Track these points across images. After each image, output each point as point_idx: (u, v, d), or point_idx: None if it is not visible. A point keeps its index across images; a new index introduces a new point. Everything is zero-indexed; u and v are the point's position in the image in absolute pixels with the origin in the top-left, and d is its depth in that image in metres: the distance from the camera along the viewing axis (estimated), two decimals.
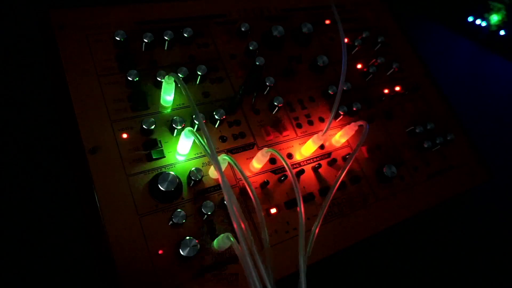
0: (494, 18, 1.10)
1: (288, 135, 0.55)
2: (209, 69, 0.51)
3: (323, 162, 0.55)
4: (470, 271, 0.69)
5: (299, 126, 0.56)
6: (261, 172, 0.51)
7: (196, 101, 0.51)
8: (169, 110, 0.49)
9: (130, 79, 0.47)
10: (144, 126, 0.45)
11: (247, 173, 0.50)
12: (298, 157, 0.54)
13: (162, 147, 0.46)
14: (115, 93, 0.47)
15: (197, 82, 0.52)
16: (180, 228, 0.44)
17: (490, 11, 1.11)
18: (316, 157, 0.55)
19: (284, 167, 0.52)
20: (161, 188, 0.42)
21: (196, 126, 0.48)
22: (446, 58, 1.06)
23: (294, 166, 0.53)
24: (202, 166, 0.48)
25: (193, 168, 0.45)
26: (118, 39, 0.48)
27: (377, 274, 0.64)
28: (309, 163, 0.54)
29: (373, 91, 0.65)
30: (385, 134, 0.63)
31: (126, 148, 0.45)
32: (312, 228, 0.39)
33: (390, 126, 0.64)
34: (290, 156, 0.54)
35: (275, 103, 0.53)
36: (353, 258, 0.62)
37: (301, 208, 0.37)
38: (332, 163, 0.55)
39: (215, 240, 0.43)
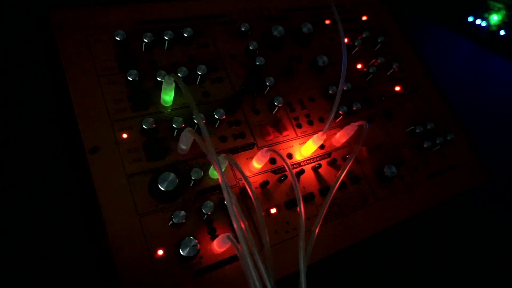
0: (494, 18, 1.10)
1: (288, 135, 0.55)
2: (209, 69, 0.51)
3: (323, 162, 0.55)
4: (470, 271, 0.69)
5: (299, 126, 0.56)
6: (261, 172, 0.51)
7: (196, 101, 0.51)
8: (169, 110, 0.49)
9: (130, 79, 0.47)
10: (144, 126, 0.45)
11: (247, 173, 0.50)
12: (298, 157, 0.54)
13: (162, 147, 0.46)
14: (115, 93, 0.47)
15: (197, 82, 0.52)
16: (180, 228, 0.44)
17: (490, 11, 1.11)
18: (316, 157, 0.55)
19: (284, 167, 0.52)
20: (161, 188, 0.42)
21: (196, 126, 0.48)
22: (446, 58, 1.06)
23: (294, 166, 0.53)
24: (202, 166, 0.48)
25: (193, 168, 0.45)
26: (118, 39, 0.48)
27: (377, 274, 0.64)
28: (309, 163, 0.54)
29: (373, 91, 0.65)
30: (385, 134, 0.63)
31: (126, 148, 0.45)
32: (312, 228, 0.39)
33: (390, 126, 0.64)
34: (290, 156, 0.54)
35: (275, 103, 0.53)
36: (353, 258, 0.62)
37: (301, 208, 0.37)
38: (332, 163, 0.55)
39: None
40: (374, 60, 0.67)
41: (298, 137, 0.55)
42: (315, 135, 0.51)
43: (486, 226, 0.75)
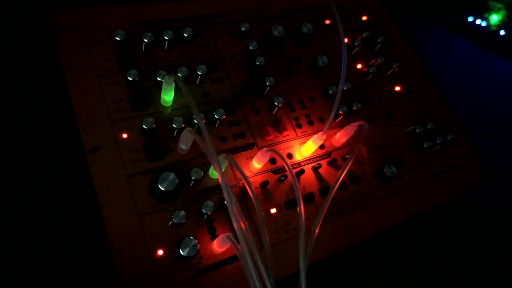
0: (494, 18, 1.10)
1: (288, 135, 0.55)
2: (209, 69, 0.51)
3: (323, 162, 0.55)
4: (470, 271, 0.69)
5: (299, 126, 0.56)
6: (261, 172, 0.51)
7: (196, 101, 0.51)
8: (169, 110, 0.49)
9: (130, 79, 0.47)
10: (144, 126, 0.45)
11: (247, 173, 0.50)
12: (298, 157, 0.54)
13: (162, 147, 0.46)
14: (115, 93, 0.47)
15: (197, 82, 0.52)
16: (180, 228, 0.44)
17: (490, 11, 1.11)
18: (316, 157, 0.55)
19: (284, 167, 0.52)
20: (161, 188, 0.42)
21: (196, 126, 0.48)
22: (446, 58, 1.06)
23: (294, 166, 0.53)
24: (202, 166, 0.48)
25: (193, 168, 0.45)
26: (118, 39, 0.48)
27: (377, 274, 0.64)
28: (309, 163, 0.54)
29: (373, 91, 0.65)
30: (385, 134, 0.63)
31: (126, 148, 0.45)
32: (312, 228, 0.39)
33: (390, 126, 0.64)
34: (290, 156, 0.54)
35: (275, 103, 0.53)
36: (353, 258, 0.62)
37: (301, 208, 0.37)
38: (332, 163, 0.55)
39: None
40: (374, 60, 0.67)
41: (298, 137, 0.55)
42: (315, 135, 0.51)
43: (486, 226, 0.75)
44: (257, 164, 0.49)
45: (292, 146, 0.54)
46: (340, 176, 0.43)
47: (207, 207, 0.44)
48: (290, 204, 0.51)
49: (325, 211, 0.40)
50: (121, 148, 0.45)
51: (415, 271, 0.66)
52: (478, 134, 0.75)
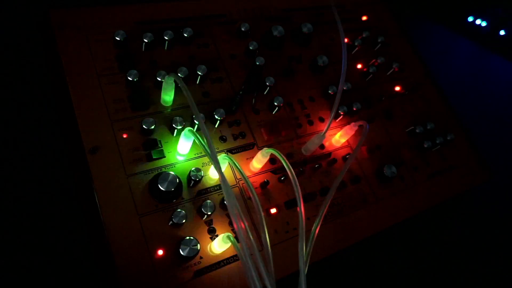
0: (494, 18, 1.10)
1: (288, 135, 0.55)
2: (209, 69, 0.51)
3: (323, 162, 0.55)
4: (470, 271, 0.69)
5: (299, 126, 0.56)
6: (261, 172, 0.51)
7: (196, 101, 0.51)
8: (169, 110, 0.49)
9: (130, 79, 0.47)
10: (144, 126, 0.45)
11: (247, 173, 0.50)
12: (298, 157, 0.54)
13: (162, 147, 0.47)
14: (115, 93, 0.47)
15: (197, 82, 0.52)
16: (180, 228, 0.44)
17: (490, 10, 1.11)
18: (316, 157, 0.55)
19: (284, 167, 0.52)
20: (161, 188, 0.42)
21: (196, 126, 0.48)
22: (446, 58, 1.06)
23: (294, 166, 0.53)
24: (202, 166, 0.48)
25: (193, 168, 0.45)
26: (118, 39, 0.48)
27: (377, 274, 0.64)
28: (309, 163, 0.54)
29: (373, 91, 0.65)
30: (385, 134, 0.63)
31: (126, 148, 0.45)
32: (312, 228, 0.39)
33: (390, 126, 0.64)
34: (290, 156, 0.54)
35: (275, 103, 0.53)
36: (353, 258, 0.62)
37: (301, 208, 0.37)
38: (332, 163, 0.55)
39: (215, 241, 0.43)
40: (374, 60, 0.67)
41: (298, 137, 0.55)
42: (315, 135, 0.51)
43: (486, 226, 0.75)
44: (257, 164, 0.49)
45: (292, 146, 0.54)
46: (340, 176, 0.43)
47: (207, 207, 0.44)
48: (290, 204, 0.51)
49: (325, 211, 0.40)
50: (121, 148, 0.45)
51: (415, 271, 0.66)
52: (478, 134, 0.75)
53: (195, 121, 0.47)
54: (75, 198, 0.53)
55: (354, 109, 0.60)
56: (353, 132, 0.54)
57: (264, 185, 0.49)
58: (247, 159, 0.51)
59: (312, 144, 0.52)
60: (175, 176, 0.43)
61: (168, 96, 0.47)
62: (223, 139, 0.50)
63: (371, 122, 0.62)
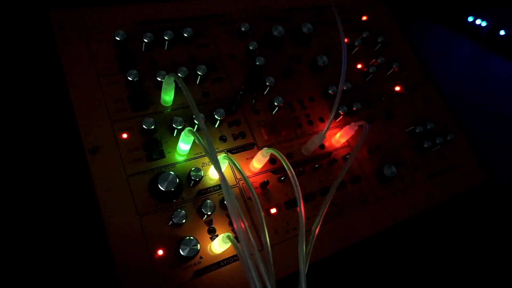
0: (494, 18, 1.10)
1: (288, 135, 0.55)
2: (209, 69, 0.51)
3: (323, 162, 0.55)
4: (470, 271, 0.69)
5: (299, 126, 0.56)
6: (261, 172, 0.51)
7: (196, 101, 0.51)
8: (169, 110, 0.49)
9: (130, 79, 0.47)
10: (144, 126, 0.45)
11: (247, 173, 0.50)
12: (298, 157, 0.54)
13: (162, 147, 0.47)
14: (115, 93, 0.47)
15: (197, 82, 0.52)
16: (180, 228, 0.44)
17: (490, 10, 1.11)
18: (316, 157, 0.55)
19: (284, 167, 0.52)
20: (161, 188, 0.42)
21: (196, 126, 0.48)
22: (446, 58, 1.06)
23: (294, 166, 0.53)
24: (202, 166, 0.48)
25: (193, 168, 0.45)
26: (118, 39, 0.48)
27: (377, 274, 0.64)
28: (309, 163, 0.54)
29: (373, 91, 0.65)
30: (385, 134, 0.63)
31: (126, 148, 0.45)
32: (312, 228, 0.39)
33: (390, 126, 0.64)
34: (290, 156, 0.54)
35: (275, 103, 0.53)
36: (353, 258, 0.62)
37: (301, 208, 0.37)
38: (332, 163, 0.55)
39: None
40: (374, 60, 0.67)
41: (298, 137, 0.55)
42: (315, 136, 0.51)
43: (486, 226, 0.75)
44: (257, 164, 0.49)
45: (292, 146, 0.54)
46: (340, 176, 0.43)
47: (207, 207, 0.44)
48: (290, 204, 0.51)
49: (325, 211, 0.40)
50: (121, 148, 0.45)
51: (415, 271, 0.66)
52: (478, 134, 0.75)
53: (195, 121, 0.47)
54: (75, 198, 0.53)
55: (354, 109, 0.60)
56: (353, 132, 0.54)
57: (264, 185, 0.49)
58: (247, 159, 0.51)
59: (312, 144, 0.52)
60: (175, 176, 0.43)
61: (168, 96, 0.47)
62: (223, 139, 0.50)
63: (371, 122, 0.62)
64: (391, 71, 0.67)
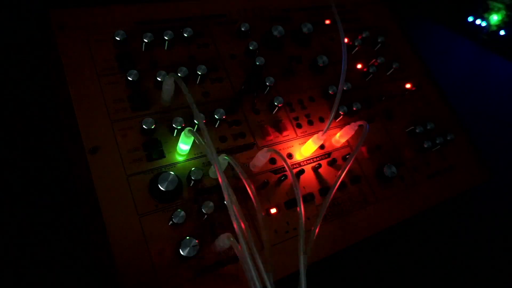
0: (494, 18, 1.10)
1: (288, 135, 0.55)
2: (209, 69, 0.51)
3: (323, 162, 0.55)
4: (470, 271, 0.69)
5: (299, 126, 0.56)
6: (261, 172, 0.51)
7: (196, 101, 0.51)
8: (169, 110, 0.49)
9: (130, 79, 0.47)
10: (144, 126, 0.45)
11: (247, 173, 0.50)
12: (298, 157, 0.54)
13: (162, 147, 0.47)
14: (115, 93, 0.47)
15: (197, 82, 0.52)
16: (180, 228, 0.44)
17: (490, 11, 1.11)
18: (316, 157, 0.55)
19: (284, 167, 0.52)
20: (161, 188, 0.42)
21: (196, 126, 0.48)
22: (446, 58, 1.06)
23: (294, 166, 0.53)
24: (202, 166, 0.48)
25: (193, 168, 0.45)
26: (118, 39, 0.48)
27: (377, 274, 0.64)
28: (309, 163, 0.54)
29: (373, 91, 0.65)
30: (385, 134, 0.63)
31: (126, 148, 0.45)
32: (312, 228, 0.39)
33: (390, 126, 0.64)
34: (290, 156, 0.54)
35: (275, 103, 0.53)
36: (353, 258, 0.62)
37: (301, 208, 0.37)
38: (332, 163, 0.55)
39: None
40: (374, 60, 0.67)
41: (298, 137, 0.55)
42: (315, 135, 0.51)
43: (486, 226, 0.75)
44: (257, 164, 0.49)
45: (292, 146, 0.54)
46: (340, 176, 0.43)
47: (207, 207, 0.44)
48: (290, 204, 0.51)
49: (325, 211, 0.40)
50: (121, 148, 0.45)
51: (415, 271, 0.66)
52: (478, 134, 0.75)
53: (195, 121, 0.47)
54: (75, 198, 0.53)
55: (354, 109, 0.60)
56: (353, 132, 0.54)
57: (264, 185, 0.49)
58: (247, 159, 0.51)
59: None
60: (175, 176, 0.43)
61: (168, 96, 0.47)
62: (223, 139, 0.50)
63: (371, 122, 0.62)
64: (391, 71, 0.67)
